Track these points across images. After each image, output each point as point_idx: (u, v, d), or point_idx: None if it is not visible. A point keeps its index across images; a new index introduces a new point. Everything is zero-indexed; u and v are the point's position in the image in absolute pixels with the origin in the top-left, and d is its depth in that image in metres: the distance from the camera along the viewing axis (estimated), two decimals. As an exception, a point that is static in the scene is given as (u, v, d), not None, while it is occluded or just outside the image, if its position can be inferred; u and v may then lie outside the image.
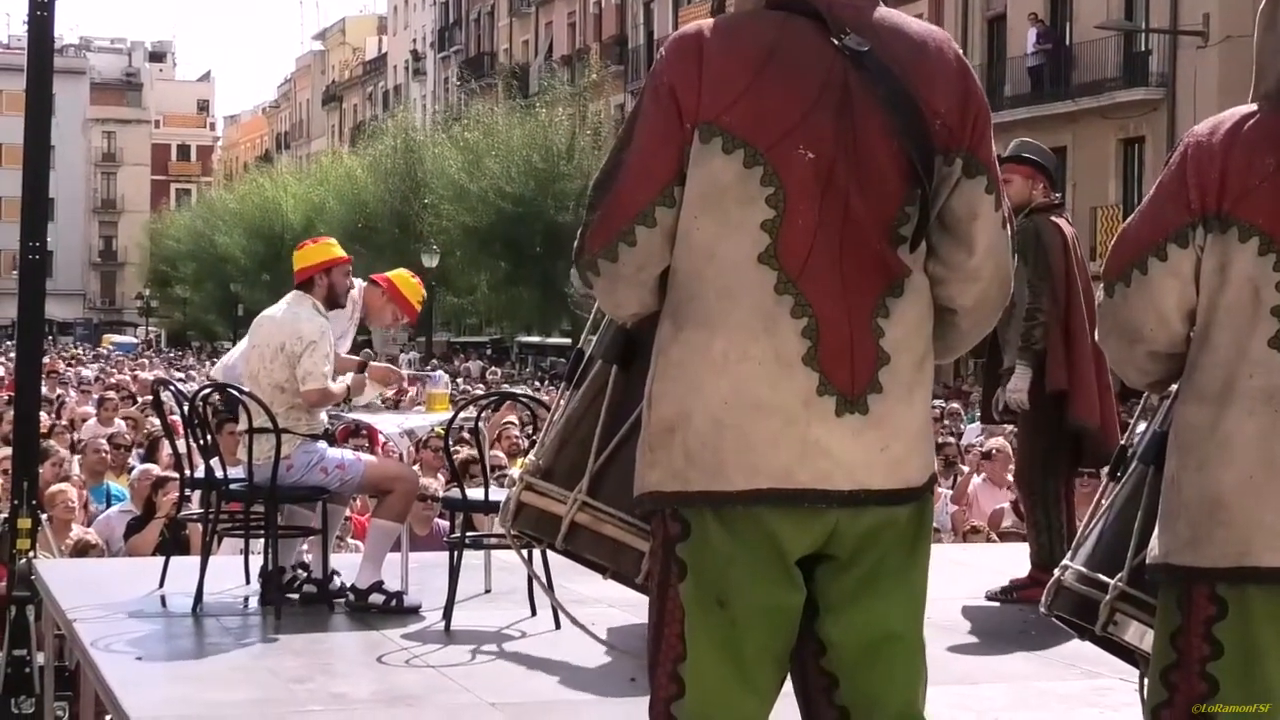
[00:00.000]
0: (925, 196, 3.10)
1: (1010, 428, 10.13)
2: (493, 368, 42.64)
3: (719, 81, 3.09)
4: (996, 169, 3.20)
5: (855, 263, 3.10)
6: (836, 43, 3.10)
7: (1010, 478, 10.74)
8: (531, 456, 3.60)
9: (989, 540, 10.91)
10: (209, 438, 7.36)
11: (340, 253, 7.72)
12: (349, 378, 7.66)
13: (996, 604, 7.60)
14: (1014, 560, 8.03)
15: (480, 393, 15.93)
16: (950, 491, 13.36)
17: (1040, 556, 7.48)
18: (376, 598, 7.23)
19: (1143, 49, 35.25)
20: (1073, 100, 35.64)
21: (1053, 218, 7.71)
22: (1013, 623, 7.17)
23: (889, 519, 3.14)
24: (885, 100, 3.09)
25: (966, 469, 13.92)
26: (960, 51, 3.23)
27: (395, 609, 7.20)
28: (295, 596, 7.45)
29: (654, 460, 3.15)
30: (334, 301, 7.62)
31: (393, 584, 7.33)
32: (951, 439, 15.96)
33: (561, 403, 3.59)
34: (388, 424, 8.40)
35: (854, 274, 3.09)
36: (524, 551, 4.71)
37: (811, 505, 3.08)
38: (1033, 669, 6.40)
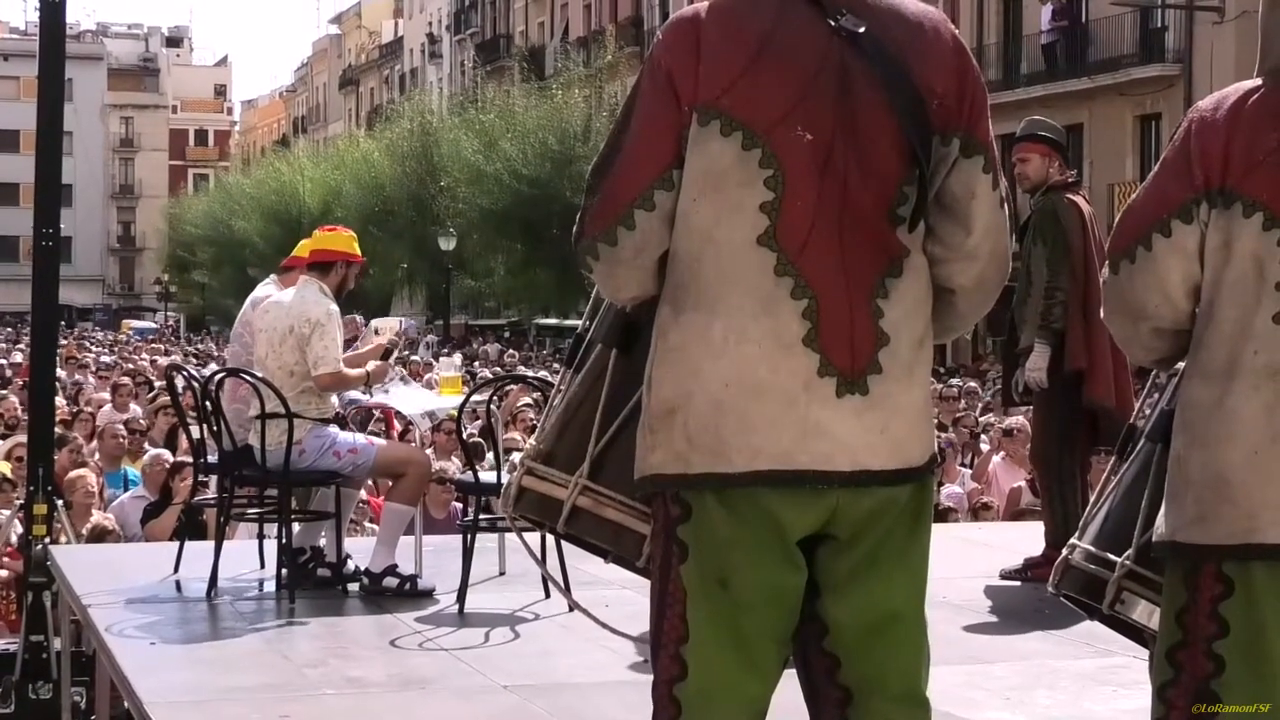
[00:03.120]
0: (923, 176, 3.10)
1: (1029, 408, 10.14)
2: (510, 350, 42.63)
3: (716, 64, 3.09)
4: (994, 149, 3.20)
5: (854, 243, 3.10)
6: (833, 24, 3.10)
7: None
8: (533, 441, 3.60)
9: (997, 518, 10.90)
10: (222, 423, 7.36)
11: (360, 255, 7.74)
12: (371, 365, 7.65)
13: (1011, 583, 7.59)
14: (1028, 539, 8.02)
15: (489, 375, 15.95)
16: (968, 470, 13.34)
17: (1056, 535, 7.46)
18: (390, 581, 7.25)
19: (1159, 25, 35.10)
20: (1089, 77, 35.53)
21: (1070, 195, 7.69)
22: (1027, 601, 7.16)
23: (890, 499, 3.15)
24: (882, 81, 3.09)
25: (986, 447, 13.89)
26: (956, 31, 3.23)
27: (409, 592, 7.22)
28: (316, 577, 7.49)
29: (655, 443, 3.15)
30: (338, 295, 7.57)
31: (407, 567, 7.35)
32: (970, 413, 15.89)
33: (562, 387, 3.59)
34: (411, 406, 8.39)
35: (853, 255, 3.09)
36: (527, 539, 4.69)
37: (812, 486, 3.08)
38: (1046, 647, 6.39)
